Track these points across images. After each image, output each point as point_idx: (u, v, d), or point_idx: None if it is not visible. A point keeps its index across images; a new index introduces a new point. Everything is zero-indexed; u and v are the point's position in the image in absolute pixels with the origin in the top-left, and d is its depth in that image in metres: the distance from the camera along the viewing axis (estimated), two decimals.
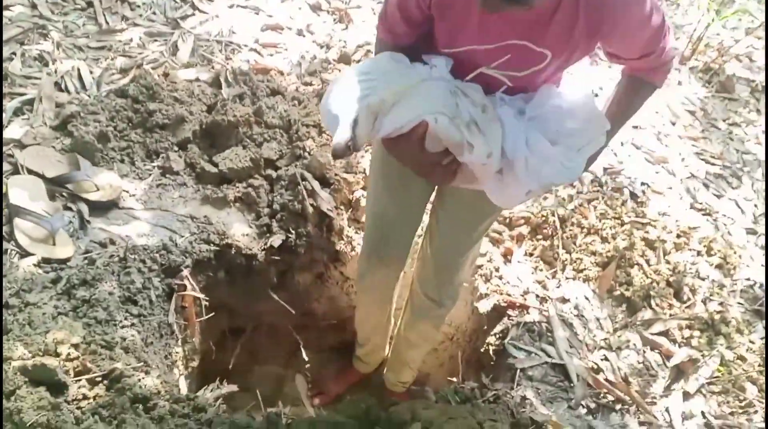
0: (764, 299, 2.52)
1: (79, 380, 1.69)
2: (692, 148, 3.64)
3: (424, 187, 2.00)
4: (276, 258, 2.55)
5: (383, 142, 1.62)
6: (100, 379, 1.73)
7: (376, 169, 2.05)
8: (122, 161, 2.64)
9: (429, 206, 2.15)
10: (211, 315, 2.42)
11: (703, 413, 2.30)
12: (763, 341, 2.55)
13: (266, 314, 2.69)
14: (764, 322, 2.42)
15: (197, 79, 3.09)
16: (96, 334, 1.89)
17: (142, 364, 1.87)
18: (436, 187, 2.06)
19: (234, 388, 2.33)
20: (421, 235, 2.28)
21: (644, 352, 2.49)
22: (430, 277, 2.17)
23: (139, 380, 1.77)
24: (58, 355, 1.74)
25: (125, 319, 2.04)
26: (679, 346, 2.50)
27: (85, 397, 1.66)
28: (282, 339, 2.75)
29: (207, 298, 2.38)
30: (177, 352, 2.31)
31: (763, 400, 2.35)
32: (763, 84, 4.28)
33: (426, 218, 2.20)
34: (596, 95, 3.78)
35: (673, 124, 3.79)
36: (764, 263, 2.63)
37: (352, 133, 1.47)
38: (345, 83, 1.57)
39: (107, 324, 1.96)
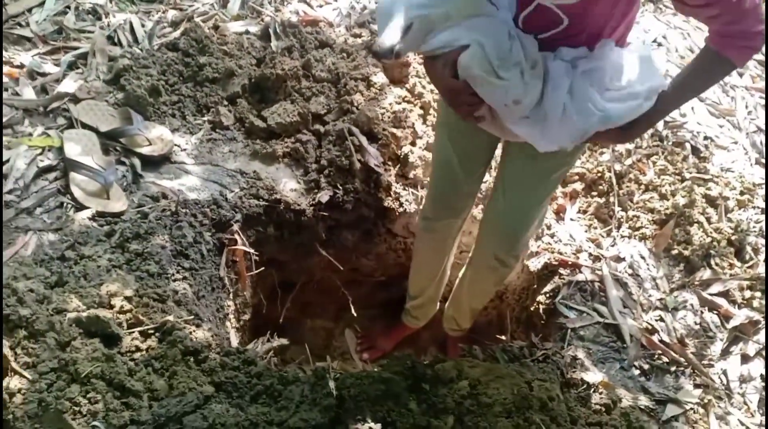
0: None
1: (132, 332, 1.73)
2: (760, 100, 3.45)
3: (488, 138, 1.95)
4: (324, 214, 2.54)
5: (424, 58, 1.62)
6: (152, 331, 1.77)
7: (441, 117, 2.08)
8: (173, 116, 2.65)
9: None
10: (261, 269, 2.44)
11: (762, 376, 2.23)
12: None
13: (315, 269, 2.71)
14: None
15: (247, 32, 3.06)
16: (148, 287, 1.92)
17: (193, 317, 1.90)
18: (501, 142, 2.03)
19: (284, 341, 2.35)
20: (487, 188, 2.24)
21: (702, 313, 2.41)
22: (496, 236, 2.14)
23: (191, 333, 1.80)
24: (111, 307, 1.78)
25: (177, 272, 2.07)
26: (739, 308, 2.41)
27: (138, 349, 1.70)
28: (331, 294, 2.76)
29: (257, 253, 2.40)
30: (229, 306, 2.35)
31: None
32: None
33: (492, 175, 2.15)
34: (659, 44, 3.61)
35: (741, 75, 3.60)
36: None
37: (402, 38, 1.45)
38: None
39: (159, 277, 2.00)
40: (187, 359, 1.70)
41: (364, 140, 2.61)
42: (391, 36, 1.44)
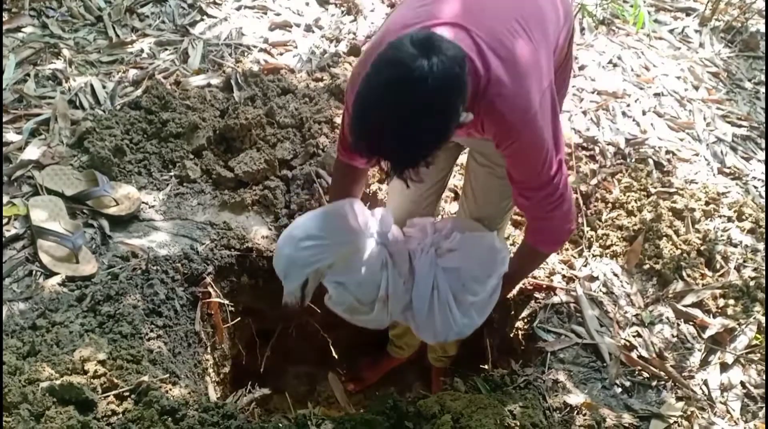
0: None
1: (107, 396, 1.71)
2: (717, 111, 3.53)
3: (444, 152, 1.98)
4: None
5: None
6: (127, 393, 1.75)
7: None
8: (139, 173, 2.66)
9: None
10: (237, 320, 2.44)
11: (742, 383, 2.24)
12: None
13: (293, 315, 2.69)
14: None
15: (209, 85, 3.10)
16: (122, 348, 1.91)
17: (168, 375, 1.88)
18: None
19: (266, 391, 2.34)
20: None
21: (678, 325, 2.43)
22: None
23: (167, 392, 1.78)
24: (85, 372, 1.77)
25: (151, 331, 2.06)
26: (714, 317, 2.44)
27: (114, 413, 1.68)
28: (312, 339, 2.74)
29: (232, 304, 2.39)
30: (207, 360, 2.33)
31: None
32: None
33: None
34: (614, 65, 3.70)
35: (696, 88, 3.69)
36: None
37: (302, 294, 1.92)
38: (296, 245, 1.91)
39: (133, 338, 1.98)
40: (164, 419, 1.69)
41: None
42: (293, 292, 1.92)
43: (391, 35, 1.49)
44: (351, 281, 1.91)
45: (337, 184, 2.11)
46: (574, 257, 2.63)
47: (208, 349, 2.35)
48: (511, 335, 2.45)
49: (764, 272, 2.55)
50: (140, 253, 2.35)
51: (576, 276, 2.52)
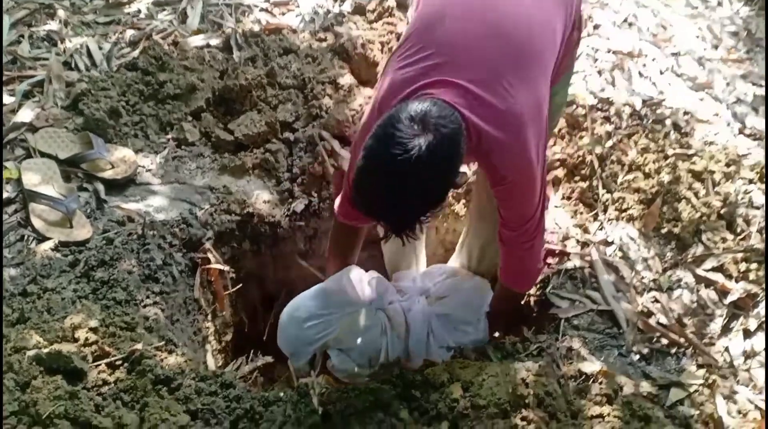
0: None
1: (98, 365, 1.64)
2: (737, 71, 3.38)
3: None
4: (301, 223, 2.46)
5: None
6: (120, 362, 1.67)
7: None
8: (136, 136, 2.56)
9: None
10: (238, 287, 2.35)
11: (766, 350, 2.14)
12: None
13: (297, 282, 2.61)
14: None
15: (207, 45, 2.97)
16: (116, 315, 1.82)
17: (164, 343, 1.80)
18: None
19: (269, 359, 2.26)
20: None
21: (698, 290, 2.32)
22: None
23: (162, 360, 1.70)
24: (75, 340, 1.69)
25: (147, 297, 1.98)
26: (736, 282, 2.32)
27: (105, 383, 1.61)
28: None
29: (233, 270, 2.31)
30: (207, 327, 2.25)
31: None
32: None
33: None
34: (630, 24, 3.55)
35: (716, 47, 3.53)
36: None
37: (310, 367, 2.06)
38: (300, 325, 2.05)
39: (127, 304, 1.90)
40: (158, 388, 1.61)
41: (336, 144, 2.52)
42: (303, 368, 2.06)
43: (387, 102, 1.60)
44: (353, 349, 2.06)
45: (337, 244, 2.17)
46: (589, 221, 2.52)
47: (209, 316, 2.27)
48: (522, 302, 2.35)
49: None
50: (136, 217, 2.25)
51: (591, 240, 2.41)
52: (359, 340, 2.04)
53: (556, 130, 2.74)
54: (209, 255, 2.25)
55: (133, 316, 1.85)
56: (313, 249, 2.57)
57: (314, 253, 2.58)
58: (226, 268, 2.28)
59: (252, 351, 2.31)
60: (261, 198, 2.44)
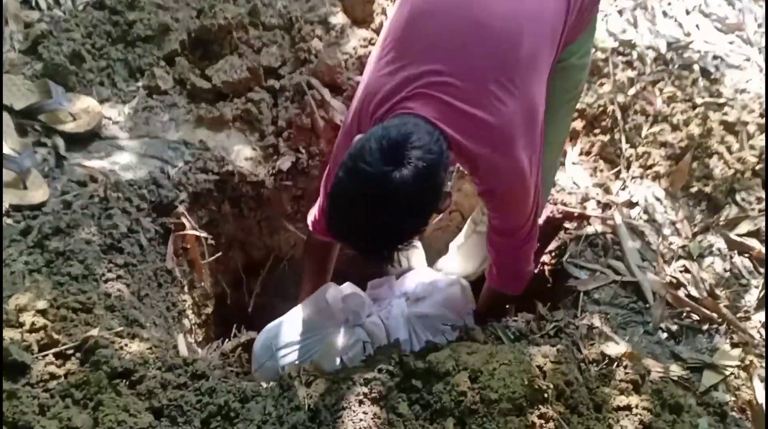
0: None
1: (45, 356, 1.39)
2: None
3: None
4: (287, 183, 2.19)
5: None
6: (71, 351, 1.43)
7: None
8: (101, 84, 2.27)
9: None
10: (218, 255, 2.10)
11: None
12: None
13: (284, 247, 2.37)
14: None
15: None
16: (69, 294, 1.57)
17: (127, 326, 1.55)
18: None
19: (253, 334, 2.04)
20: None
21: (731, 257, 2.08)
22: None
23: (122, 348, 1.46)
24: (20, 325, 1.44)
25: (108, 271, 1.72)
26: None
27: (53, 377, 1.36)
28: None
29: (211, 237, 2.05)
30: (184, 301, 2.01)
31: None
32: None
33: None
34: None
35: None
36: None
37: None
38: (276, 355, 1.93)
39: (85, 280, 1.65)
40: (116, 383, 1.37)
41: (326, 93, 2.24)
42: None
43: (365, 113, 1.55)
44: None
45: (312, 260, 2.07)
46: (610, 180, 2.26)
47: (185, 288, 2.03)
48: (536, 271, 2.11)
49: None
50: (100, 177, 1.99)
51: (613, 202, 2.15)
52: (338, 362, 1.91)
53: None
54: (183, 220, 1.99)
55: (90, 294, 1.60)
56: (301, 211, 2.30)
57: (302, 215, 2.31)
58: (204, 234, 2.02)
59: (235, 326, 2.09)
60: (242, 154, 2.17)
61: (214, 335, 2.23)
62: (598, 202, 2.16)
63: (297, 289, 2.16)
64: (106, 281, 1.70)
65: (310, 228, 1.89)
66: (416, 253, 2.37)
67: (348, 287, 2.05)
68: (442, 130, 1.42)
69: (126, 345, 1.47)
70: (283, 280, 2.42)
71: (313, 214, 1.86)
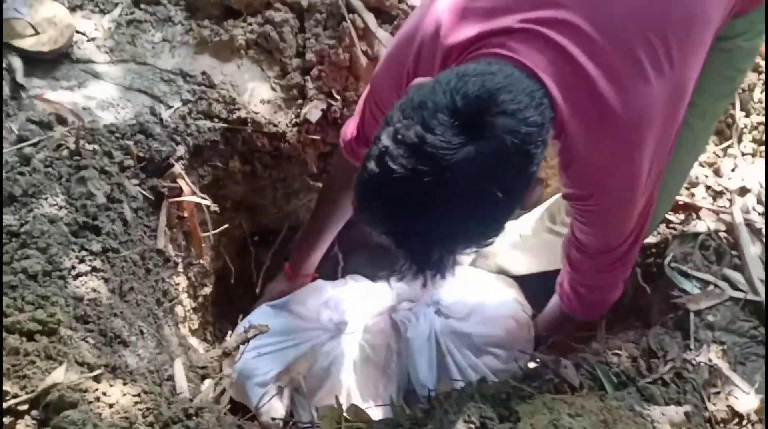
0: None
1: None
2: None
3: None
4: (314, 137, 1.70)
5: None
6: (25, 407, 0.98)
7: None
8: None
9: None
10: (224, 227, 1.64)
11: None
12: None
13: (303, 213, 1.90)
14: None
15: None
16: (23, 305, 1.12)
17: (101, 370, 1.10)
18: None
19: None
20: None
21: None
22: None
23: (98, 400, 1.02)
24: None
25: (80, 262, 1.26)
26: None
27: None
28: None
29: (215, 205, 1.58)
30: (177, 284, 1.57)
31: None
32: None
33: None
34: None
35: None
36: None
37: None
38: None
39: (46, 279, 1.19)
40: None
41: (371, 20, 1.71)
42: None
43: (432, 42, 1.08)
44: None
45: (333, 183, 1.55)
46: (719, 157, 1.80)
47: (180, 267, 1.58)
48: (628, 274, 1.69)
49: None
50: (70, 118, 1.49)
51: (726, 188, 1.71)
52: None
53: None
54: (181, 183, 1.51)
55: (54, 302, 1.15)
56: (328, 172, 1.83)
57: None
58: (208, 201, 1.55)
59: (241, 317, 1.66)
60: (257, 95, 1.67)
61: (212, 318, 1.80)
62: (708, 188, 1.72)
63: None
64: (76, 277, 1.24)
65: (341, 144, 1.39)
66: None
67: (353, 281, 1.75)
68: (550, 92, 0.97)
69: (104, 395, 1.03)
70: None
71: (349, 128, 1.38)
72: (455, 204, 0.90)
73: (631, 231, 1.25)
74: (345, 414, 1.18)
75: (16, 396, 0.98)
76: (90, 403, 1.00)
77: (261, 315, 1.70)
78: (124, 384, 1.07)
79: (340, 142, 1.40)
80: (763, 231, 1.63)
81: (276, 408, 1.57)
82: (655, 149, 1.09)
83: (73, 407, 0.97)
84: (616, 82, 1.00)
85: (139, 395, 1.06)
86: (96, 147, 1.43)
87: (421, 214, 0.92)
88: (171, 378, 1.22)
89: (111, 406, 1.02)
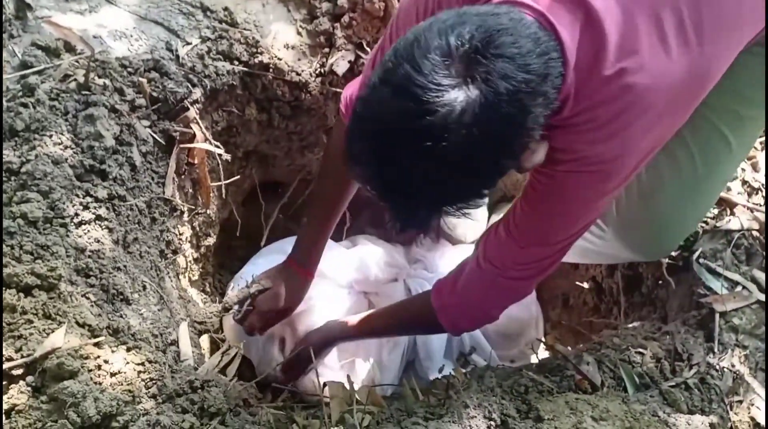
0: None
1: None
2: None
3: None
4: (338, 90, 1.59)
5: None
6: (20, 371, 0.91)
7: None
8: None
9: None
10: (235, 178, 1.54)
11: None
12: None
13: (317, 167, 1.80)
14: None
15: None
16: (22, 255, 1.03)
17: (103, 319, 1.02)
18: None
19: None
20: None
21: None
22: None
23: (99, 368, 0.94)
24: None
25: (84, 209, 1.16)
26: None
27: None
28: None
29: (226, 154, 1.48)
30: (181, 235, 1.48)
31: None
32: None
33: None
34: None
35: None
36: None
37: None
38: None
39: (47, 227, 1.09)
40: None
41: None
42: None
43: None
44: None
45: (333, 151, 1.36)
46: (756, 149, 1.71)
47: (185, 216, 1.49)
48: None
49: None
50: (80, 46, 1.37)
51: (763, 185, 1.63)
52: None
53: None
54: (194, 127, 1.40)
55: (55, 253, 1.06)
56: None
57: None
58: (221, 149, 1.45)
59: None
60: (282, 38, 1.56)
61: (212, 269, 1.72)
62: (744, 183, 1.64)
63: None
64: (79, 226, 1.14)
65: (341, 109, 1.27)
66: (473, 227, 1.84)
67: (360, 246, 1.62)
68: (562, 42, 0.87)
69: (105, 363, 0.95)
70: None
71: (351, 89, 1.27)
72: (439, 153, 0.81)
73: (566, 237, 1.10)
74: (357, 396, 1.12)
75: (11, 359, 0.91)
76: (90, 371, 0.93)
77: (267, 265, 1.62)
78: (128, 350, 1.00)
79: (340, 107, 1.27)
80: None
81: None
82: (659, 132, 0.99)
83: (73, 377, 0.90)
84: (635, 40, 0.90)
85: (143, 363, 0.99)
86: (106, 82, 1.31)
87: (403, 162, 0.84)
88: (175, 342, 1.14)
89: (113, 375, 0.95)
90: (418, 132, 0.80)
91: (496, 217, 1.98)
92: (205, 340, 1.48)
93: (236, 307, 1.46)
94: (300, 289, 1.46)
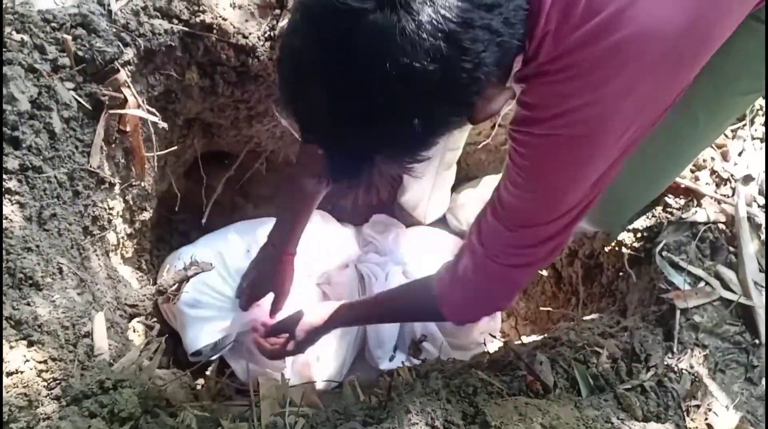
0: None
1: None
2: None
3: None
4: None
5: None
6: None
7: None
8: None
9: None
10: (173, 148, 1.42)
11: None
12: None
13: (267, 139, 1.68)
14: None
15: None
16: None
17: (10, 311, 0.91)
18: None
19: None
20: None
21: None
22: None
23: None
24: None
25: None
26: None
27: None
28: (287, 173, 1.78)
29: (164, 122, 1.35)
30: (111, 208, 1.36)
31: None
32: None
33: None
34: None
35: None
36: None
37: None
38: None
39: None
40: None
41: None
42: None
43: None
44: None
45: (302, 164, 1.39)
46: (727, 137, 1.65)
47: (116, 189, 1.36)
48: (606, 249, 1.55)
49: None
50: None
51: (732, 176, 1.56)
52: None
53: None
54: (125, 91, 1.27)
55: None
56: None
57: None
58: (156, 117, 1.32)
59: (184, 258, 1.47)
60: None
61: (149, 245, 1.60)
62: (713, 172, 1.57)
63: (273, 196, 1.54)
64: None
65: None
66: (433, 208, 1.74)
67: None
68: None
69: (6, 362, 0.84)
70: (258, 184, 1.76)
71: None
72: (363, 91, 0.72)
73: (566, 211, 0.98)
74: (291, 396, 1.03)
75: None
76: None
77: (208, 249, 1.52)
78: (29, 345, 0.89)
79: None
80: (764, 227, 1.51)
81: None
82: (644, 103, 0.87)
83: None
84: None
85: (45, 362, 0.88)
86: (25, 37, 1.17)
87: (326, 100, 0.75)
88: (89, 334, 1.03)
89: (8, 375, 0.84)
90: (339, 66, 0.71)
91: (459, 198, 1.89)
92: (138, 326, 1.38)
93: (172, 290, 1.37)
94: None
